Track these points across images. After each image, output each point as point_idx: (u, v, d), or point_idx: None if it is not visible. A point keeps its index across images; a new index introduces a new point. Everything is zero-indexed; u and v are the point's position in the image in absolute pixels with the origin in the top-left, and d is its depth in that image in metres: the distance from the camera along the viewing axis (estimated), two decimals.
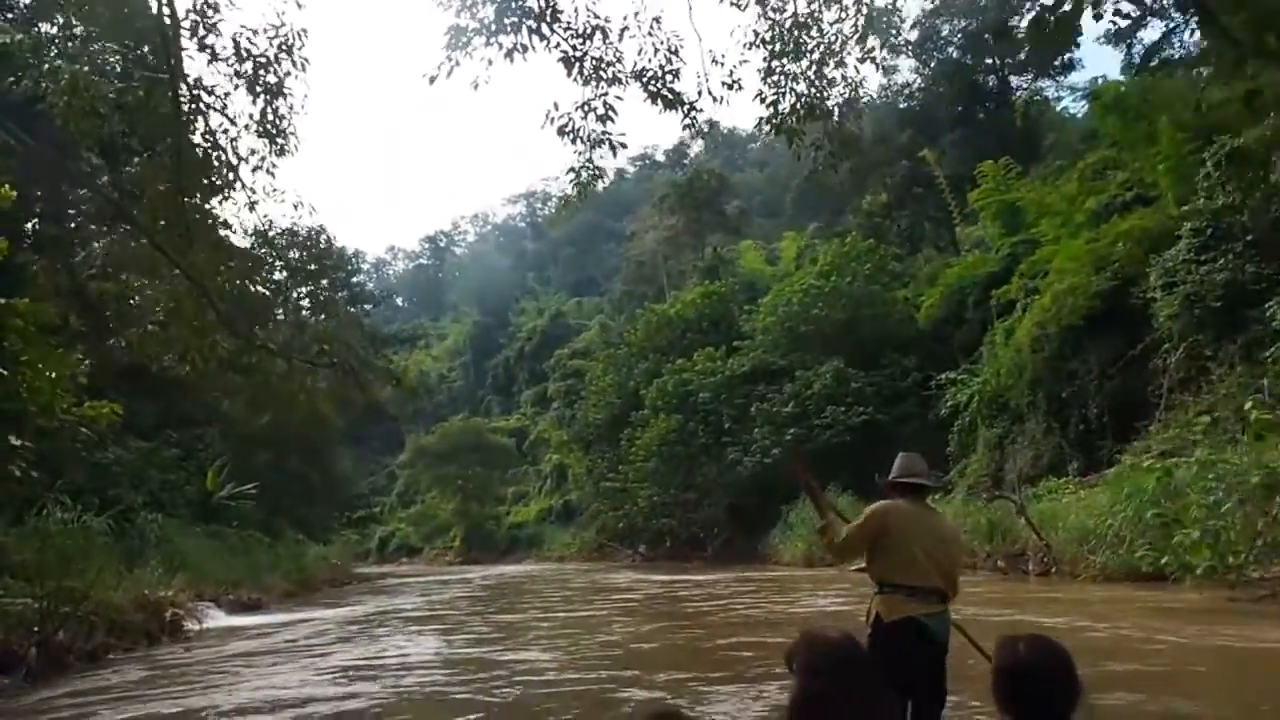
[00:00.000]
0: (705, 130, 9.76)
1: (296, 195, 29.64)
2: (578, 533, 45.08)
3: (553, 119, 8.99)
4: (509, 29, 8.42)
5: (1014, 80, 36.87)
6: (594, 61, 8.90)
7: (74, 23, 15.04)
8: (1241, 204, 15.47)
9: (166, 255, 9.86)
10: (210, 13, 9.26)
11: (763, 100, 9.02)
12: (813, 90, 8.85)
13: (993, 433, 21.82)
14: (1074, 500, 15.78)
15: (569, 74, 8.95)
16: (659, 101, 9.05)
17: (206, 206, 11.08)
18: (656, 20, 8.85)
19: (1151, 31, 29.12)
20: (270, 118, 10.09)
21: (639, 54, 8.98)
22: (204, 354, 10.67)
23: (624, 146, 9.29)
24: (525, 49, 8.48)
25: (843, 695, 2.00)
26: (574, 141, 9.13)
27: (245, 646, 12.00)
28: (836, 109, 9.16)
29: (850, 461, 23.27)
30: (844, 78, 9.10)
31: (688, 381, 32.57)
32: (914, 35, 34.77)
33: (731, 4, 8.84)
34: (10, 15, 20.27)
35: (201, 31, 9.27)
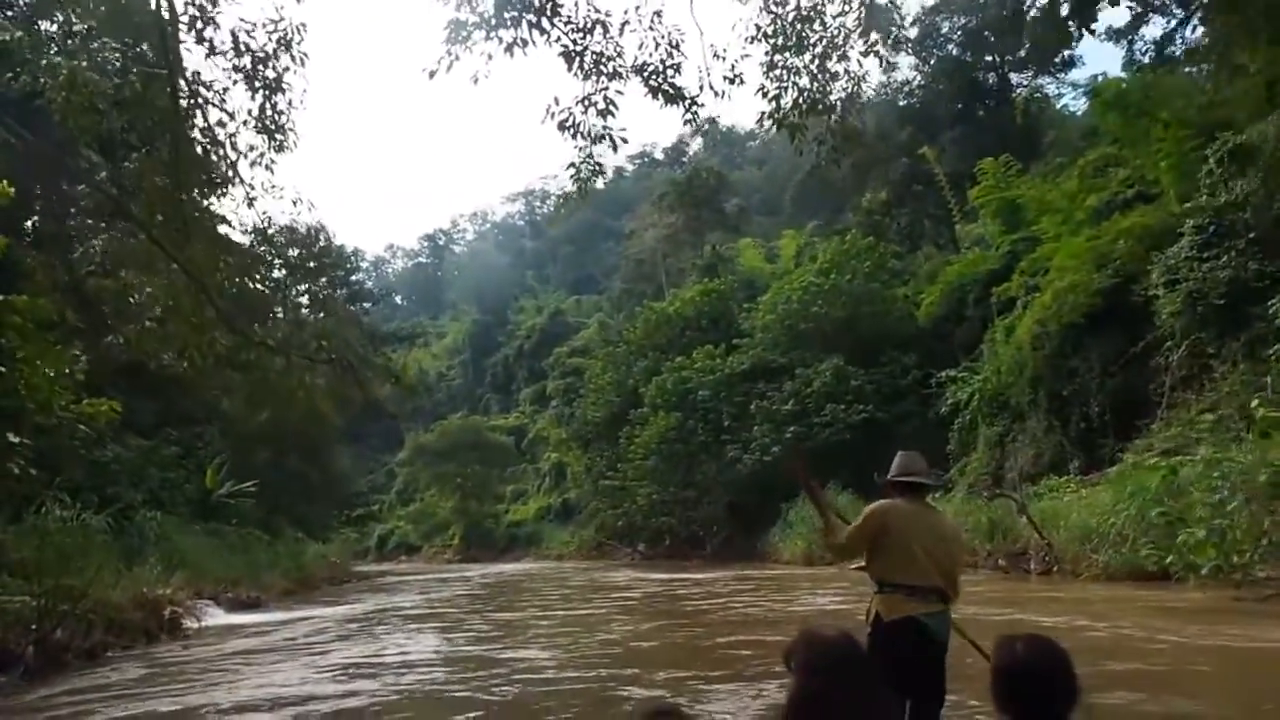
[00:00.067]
0: (706, 126, 9.72)
1: (295, 192, 29.60)
2: (576, 531, 45.05)
3: (553, 114, 8.95)
4: (509, 23, 8.38)
5: (1014, 77, 36.83)
6: (594, 56, 8.86)
7: (74, 20, 14.97)
8: (1245, 200, 15.42)
9: (164, 250, 9.81)
10: (209, 6, 9.21)
11: (764, 95, 8.97)
12: (815, 84, 8.80)
13: (993, 431, 21.77)
14: (1075, 499, 15.72)
15: (569, 69, 8.91)
16: (660, 96, 9.01)
17: (204, 202, 11.03)
18: (657, 14, 8.83)
19: (1153, 28, 29.16)
20: (269, 113, 10.04)
21: (640, 48, 8.97)
22: (202, 350, 10.63)
23: (625, 142, 9.28)
24: (525, 43, 8.44)
25: (840, 694, 2.00)
26: (574, 137, 9.10)
27: (244, 644, 11.96)
28: (839, 103, 9.09)
29: (850, 459, 23.24)
30: (847, 72, 9.06)
31: (687, 379, 32.52)
32: (913, 32, 34.71)
33: None
34: (10, 13, 20.20)
35: (200, 25, 9.21)
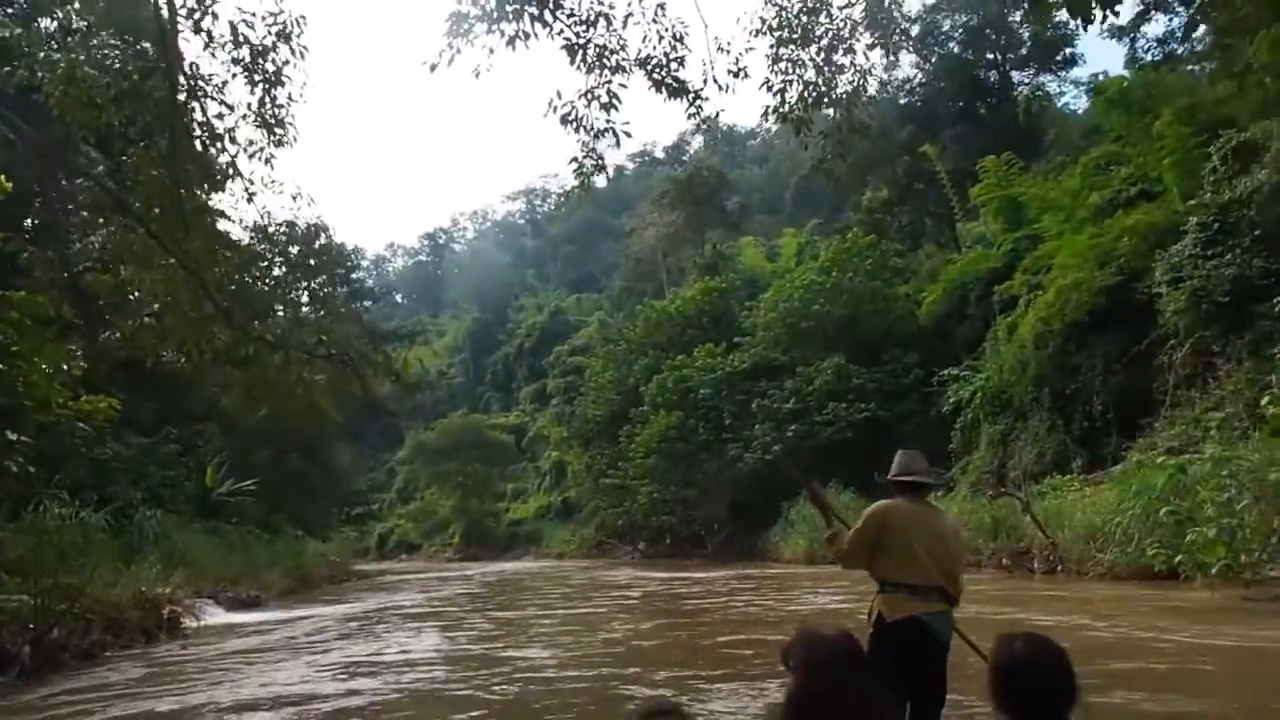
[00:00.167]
0: (710, 121, 9.62)
1: (295, 186, 29.46)
2: (577, 530, 45.03)
3: (555, 108, 8.85)
4: (511, 16, 8.28)
5: (1015, 75, 36.77)
6: (597, 49, 8.76)
7: (72, 17, 14.91)
8: (1249, 197, 15.35)
9: (162, 244, 9.73)
10: None
11: (769, 88, 8.88)
12: (821, 78, 8.72)
13: (995, 429, 21.71)
14: (1079, 498, 15.65)
15: (572, 62, 8.81)
16: (663, 90, 8.91)
17: (204, 197, 10.95)
18: (661, 6, 8.71)
19: (1155, 25, 29.10)
20: (268, 107, 9.96)
21: (643, 41, 8.86)
22: (201, 346, 10.55)
23: (628, 136, 9.15)
24: (527, 36, 8.34)
25: (839, 693, 2.00)
26: (577, 131, 9.00)
27: (244, 643, 11.91)
28: (845, 96, 9.00)
29: (851, 458, 23.20)
30: (853, 64, 8.97)
31: (688, 378, 32.46)
32: (915, 30, 34.61)
33: None
34: (10, 10, 20.14)
35: (198, 16, 9.12)
